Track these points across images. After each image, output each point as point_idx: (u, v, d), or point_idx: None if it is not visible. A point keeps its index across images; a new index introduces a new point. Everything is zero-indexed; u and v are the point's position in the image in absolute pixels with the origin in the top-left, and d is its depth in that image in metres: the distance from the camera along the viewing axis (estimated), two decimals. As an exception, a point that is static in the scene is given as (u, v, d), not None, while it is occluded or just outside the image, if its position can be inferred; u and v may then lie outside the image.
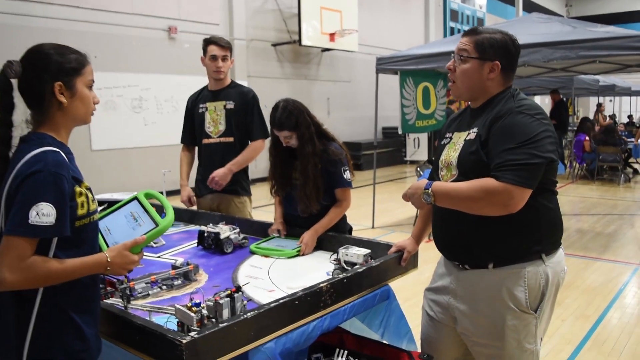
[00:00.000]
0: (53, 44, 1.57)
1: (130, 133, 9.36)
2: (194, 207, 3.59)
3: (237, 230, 2.83)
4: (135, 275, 2.35)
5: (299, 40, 11.19)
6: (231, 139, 3.50)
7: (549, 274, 1.89)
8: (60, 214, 1.41)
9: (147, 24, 9.07)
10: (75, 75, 1.56)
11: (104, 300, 1.89)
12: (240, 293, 1.70)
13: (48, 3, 8.00)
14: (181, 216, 3.51)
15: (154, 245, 2.89)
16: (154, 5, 9.28)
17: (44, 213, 1.38)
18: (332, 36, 11.75)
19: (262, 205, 5.11)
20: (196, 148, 3.69)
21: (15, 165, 1.44)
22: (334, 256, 2.27)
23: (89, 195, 1.57)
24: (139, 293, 2.12)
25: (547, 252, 1.90)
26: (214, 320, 1.63)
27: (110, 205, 3.82)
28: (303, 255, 2.62)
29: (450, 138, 2.06)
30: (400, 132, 7.63)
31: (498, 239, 1.87)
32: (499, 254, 1.89)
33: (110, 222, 1.84)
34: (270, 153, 2.90)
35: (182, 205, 3.64)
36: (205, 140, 3.56)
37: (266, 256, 2.64)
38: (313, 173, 2.70)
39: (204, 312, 1.64)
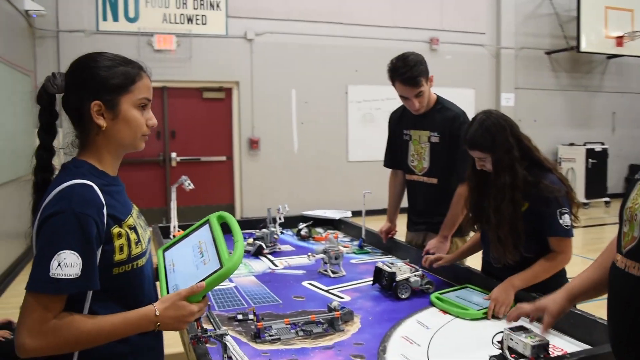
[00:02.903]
0: (100, 53, 1.34)
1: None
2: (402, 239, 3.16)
3: (420, 272, 2.36)
4: (285, 311, 2.11)
5: (577, 47, 9.79)
6: (434, 181, 2.90)
7: None
8: (87, 263, 1.18)
9: (408, 36, 8.97)
10: (120, 93, 1.30)
11: (204, 345, 1.64)
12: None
13: (313, 21, 8.51)
14: (380, 244, 3.16)
15: (332, 276, 2.60)
16: (415, 17, 9.15)
17: (66, 263, 1.15)
18: (619, 40, 9.98)
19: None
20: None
21: (45, 198, 1.23)
22: (499, 336, 1.64)
23: (132, 236, 1.31)
24: (270, 335, 1.84)
25: None
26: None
27: (317, 223, 3.76)
28: (496, 318, 2.01)
29: None
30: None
31: None
32: None
33: (176, 254, 1.53)
34: (468, 176, 2.36)
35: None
36: (409, 176, 3.04)
37: (444, 312, 2.12)
38: (509, 212, 2.08)
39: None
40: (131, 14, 7.63)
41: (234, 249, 1.32)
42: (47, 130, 1.35)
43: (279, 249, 3.14)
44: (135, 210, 1.43)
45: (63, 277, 1.14)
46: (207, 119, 8.33)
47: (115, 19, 7.55)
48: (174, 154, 8.14)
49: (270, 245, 3.10)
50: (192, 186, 3.41)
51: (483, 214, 2.25)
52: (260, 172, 8.52)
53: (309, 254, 2.76)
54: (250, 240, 3.13)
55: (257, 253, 3.01)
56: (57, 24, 7.28)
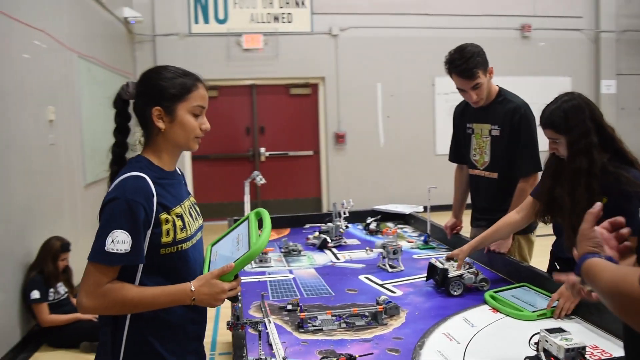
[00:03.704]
0: (164, 67, 1.55)
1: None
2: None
3: (474, 269, 2.33)
4: (335, 303, 2.18)
5: (689, 27, 8.95)
6: (495, 176, 2.82)
7: None
8: (135, 241, 1.39)
9: (498, 24, 8.64)
10: (176, 101, 1.50)
11: (240, 331, 1.74)
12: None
13: (398, 14, 8.43)
14: (446, 240, 3.14)
15: (390, 271, 2.63)
16: (505, 4, 8.77)
17: (118, 240, 1.36)
18: None
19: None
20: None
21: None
22: (536, 337, 1.60)
23: (178, 222, 1.49)
24: (313, 326, 1.91)
25: None
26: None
27: (388, 218, 3.78)
28: (558, 318, 1.94)
29: None
30: None
31: None
32: None
33: (220, 247, 1.69)
34: (545, 162, 2.27)
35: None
36: (471, 171, 2.99)
37: (496, 310, 2.08)
38: (585, 197, 1.96)
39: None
40: (221, 16, 7.99)
41: (261, 234, 1.48)
42: (120, 130, 1.58)
43: (345, 242, 3.20)
44: (188, 202, 1.62)
45: (115, 251, 1.36)
46: (294, 115, 8.55)
47: (206, 21, 7.94)
48: (262, 149, 8.43)
49: (335, 239, 3.17)
50: (263, 181, 3.56)
51: (555, 203, 2.16)
52: (346, 166, 8.60)
53: (367, 248, 2.80)
54: (316, 233, 3.22)
55: (322, 246, 3.09)
56: (153, 29, 7.78)
